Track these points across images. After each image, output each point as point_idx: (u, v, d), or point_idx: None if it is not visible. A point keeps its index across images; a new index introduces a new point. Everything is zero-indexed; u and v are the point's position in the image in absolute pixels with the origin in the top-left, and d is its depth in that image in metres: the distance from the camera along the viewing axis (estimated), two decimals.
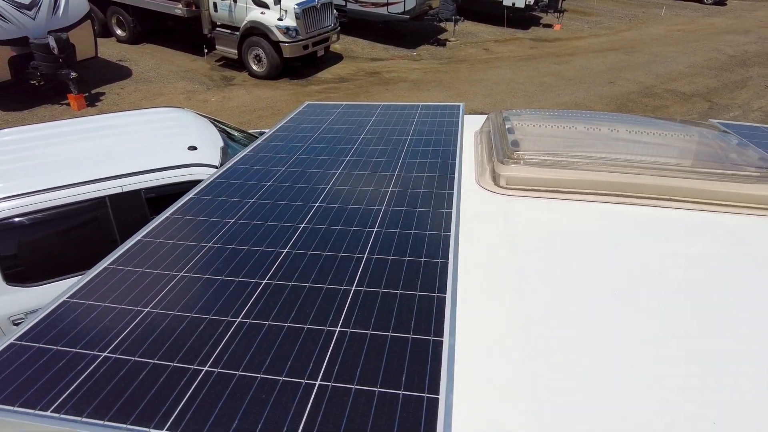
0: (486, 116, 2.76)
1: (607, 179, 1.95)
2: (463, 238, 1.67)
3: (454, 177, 1.96)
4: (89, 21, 9.06)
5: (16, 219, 3.29)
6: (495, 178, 2.02)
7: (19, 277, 3.32)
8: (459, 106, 2.85)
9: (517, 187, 1.99)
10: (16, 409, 0.99)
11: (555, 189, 1.98)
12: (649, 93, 10.40)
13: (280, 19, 9.69)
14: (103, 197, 3.55)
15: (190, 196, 1.87)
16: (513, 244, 1.62)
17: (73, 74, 8.26)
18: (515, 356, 1.21)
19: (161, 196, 3.65)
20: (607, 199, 1.93)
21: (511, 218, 1.80)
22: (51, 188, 3.38)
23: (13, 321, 3.25)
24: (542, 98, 9.97)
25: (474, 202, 1.91)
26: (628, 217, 1.82)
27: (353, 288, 1.33)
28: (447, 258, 1.45)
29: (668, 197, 1.93)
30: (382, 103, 2.97)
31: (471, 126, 2.76)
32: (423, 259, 1.45)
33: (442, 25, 14.06)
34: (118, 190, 3.58)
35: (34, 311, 3.33)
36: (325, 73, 10.88)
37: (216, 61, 11.05)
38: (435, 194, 1.84)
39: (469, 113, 3.09)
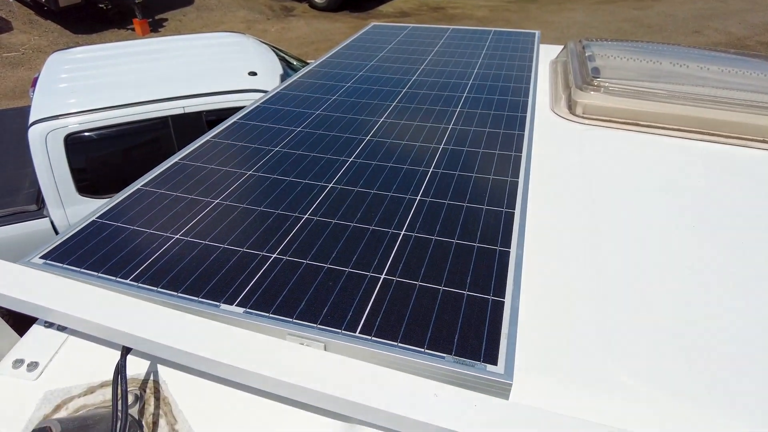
0: (563, 46, 2.58)
1: (690, 114, 1.79)
2: (535, 162, 1.59)
3: (527, 102, 1.86)
4: None
5: (86, 133, 3.43)
6: (571, 106, 1.90)
7: (90, 189, 3.51)
8: (534, 33, 2.67)
9: (595, 116, 1.86)
10: (100, 275, 1.04)
11: (634, 121, 1.85)
12: (739, 45, 9.45)
13: None
14: (166, 117, 3.64)
15: (258, 103, 1.86)
16: (585, 175, 1.54)
17: None
18: (585, 272, 1.17)
19: (221, 120, 3.71)
20: (688, 135, 1.79)
21: (586, 148, 1.70)
22: (118, 105, 3.49)
23: None
24: None
25: (547, 130, 1.81)
26: (711, 154, 1.68)
27: (418, 197, 1.30)
28: (517, 177, 1.39)
29: (757, 138, 1.76)
30: (452, 27, 2.83)
31: (546, 56, 2.59)
32: (491, 177, 1.39)
33: None
34: (180, 111, 3.65)
35: None
36: (387, 7, 10.51)
37: None
38: (506, 116, 1.75)
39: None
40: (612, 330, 1.02)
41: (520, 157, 1.49)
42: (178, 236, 1.15)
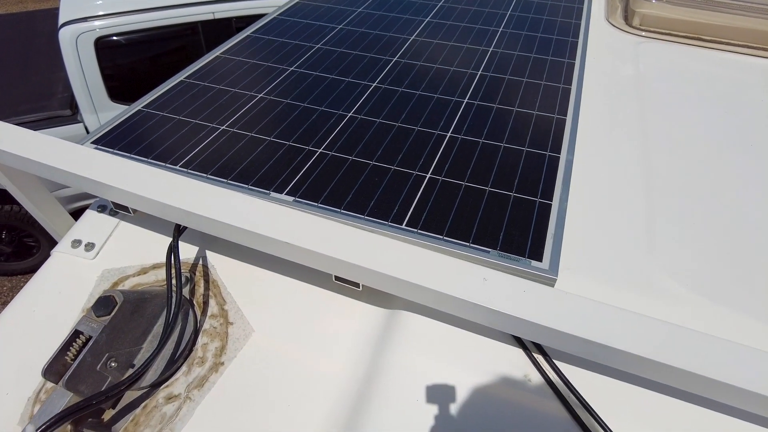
0: None
1: (759, 27, 1.65)
2: (588, 69, 1.51)
3: (582, 8, 1.74)
4: None
5: (116, 37, 3.37)
6: (628, 16, 1.78)
7: (122, 95, 3.50)
8: None
9: (652, 28, 1.74)
10: (150, 160, 1.06)
11: (695, 35, 1.72)
12: None
13: None
14: (196, 23, 3.53)
15: (275, 15, 1.78)
16: (638, 89, 1.46)
17: None
18: (633, 180, 1.14)
19: None
20: (755, 52, 1.66)
21: (641, 61, 1.60)
22: (147, 8, 3.40)
23: None
24: None
25: (601, 40, 1.70)
26: None
27: (465, 100, 1.26)
28: (570, 84, 1.33)
29: None
30: None
31: None
32: (543, 83, 1.33)
33: None
34: (210, 17, 3.54)
35: None
36: None
37: None
38: (559, 23, 1.64)
39: None
40: (658, 236, 1.01)
41: (573, 65, 1.41)
42: (224, 127, 1.15)
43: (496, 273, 0.74)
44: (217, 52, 1.45)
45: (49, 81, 3.70)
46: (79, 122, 3.46)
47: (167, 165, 1.04)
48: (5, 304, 3.73)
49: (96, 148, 1.09)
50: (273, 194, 0.97)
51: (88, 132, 3.47)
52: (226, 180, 1.01)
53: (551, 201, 0.98)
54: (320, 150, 1.09)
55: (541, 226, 0.92)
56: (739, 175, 1.16)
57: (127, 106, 3.44)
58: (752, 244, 1.00)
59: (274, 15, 1.67)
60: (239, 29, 3.61)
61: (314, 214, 0.93)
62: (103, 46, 3.36)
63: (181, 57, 3.56)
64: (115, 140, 1.11)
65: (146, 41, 3.45)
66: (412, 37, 1.55)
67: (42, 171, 0.99)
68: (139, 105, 1.23)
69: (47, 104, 3.49)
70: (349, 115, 1.20)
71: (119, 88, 3.49)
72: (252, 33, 1.55)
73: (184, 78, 1.33)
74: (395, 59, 1.43)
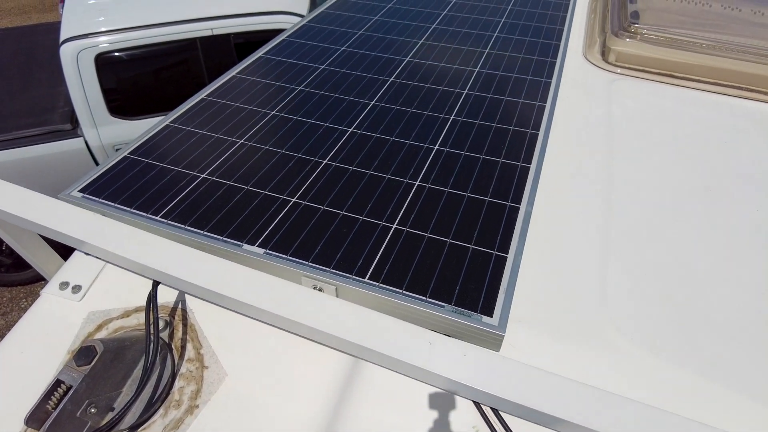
0: None
1: (729, 67, 1.71)
2: (559, 111, 1.57)
3: (559, 45, 1.80)
4: None
5: (116, 53, 3.45)
6: (604, 53, 1.83)
7: (121, 110, 3.58)
8: None
9: (627, 65, 1.80)
10: (133, 210, 1.13)
11: (669, 72, 1.78)
12: None
13: None
14: (194, 39, 3.61)
15: (283, 37, 1.85)
16: (611, 125, 1.52)
17: None
18: (592, 235, 1.20)
19: (249, 43, 3.67)
20: (727, 90, 1.72)
21: (614, 99, 1.66)
22: (146, 25, 3.47)
23: (115, 148, 3.59)
24: None
25: (577, 76, 1.76)
26: (748, 113, 1.62)
27: (435, 147, 1.33)
28: (538, 129, 1.39)
29: None
30: None
31: None
32: (512, 128, 1.40)
33: None
34: (208, 33, 3.61)
35: None
36: None
37: None
38: (536, 61, 1.71)
39: None
40: (611, 288, 1.07)
41: (543, 108, 1.47)
42: (204, 175, 1.22)
43: (440, 338, 0.80)
44: (202, 94, 1.52)
45: (50, 95, 3.79)
46: (79, 136, 3.54)
47: (148, 215, 1.11)
48: (5, 314, 3.82)
49: (83, 197, 1.16)
50: (245, 246, 1.04)
51: (88, 146, 3.55)
52: (202, 231, 1.07)
53: (507, 254, 1.04)
54: (294, 199, 1.16)
55: (495, 280, 0.98)
56: (696, 225, 1.22)
57: (126, 121, 3.53)
58: (703, 298, 1.06)
59: (260, 53, 1.74)
60: (237, 45, 3.69)
61: (283, 266, 1.00)
62: (104, 62, 3.44)
63: (179, 72, 3.64)
64: (102, 188, 1.18)
65: (146, 57, 3.53)
66: (391, 79, 1.61)
67: (19, 223, 1.06)
68: (125, 151, 1.29)
69: (48, 118, 3.57)
70: (324, 162, 1.27)
71: (119, 103, 3.57)
72: (236, 74, 1.62)
73: (170, 122, 1.40)
74: (373, 103, 1.49)
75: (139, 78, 3.55)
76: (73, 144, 3.50)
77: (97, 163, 3.63)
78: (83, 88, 3.44)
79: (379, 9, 2.08)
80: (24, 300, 4.00)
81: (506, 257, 1.03)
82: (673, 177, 1.35)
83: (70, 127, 3.50)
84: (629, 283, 1.09)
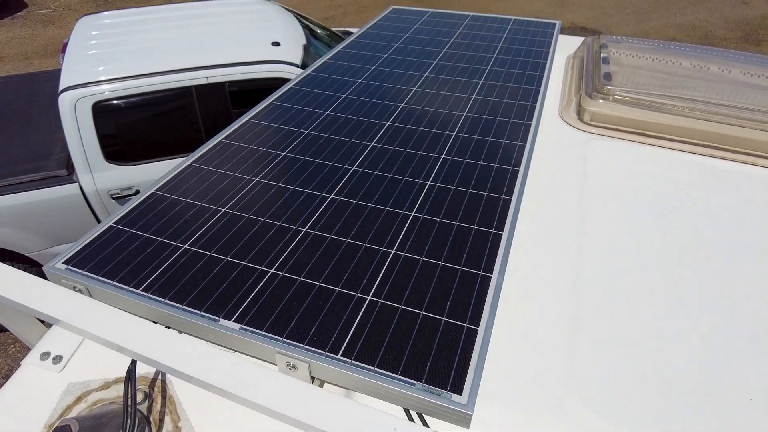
0: (582, 40, 2.53)
1: (702, 128, 1.78)
2: (533, 173, 1.63)
3: (535, 107, 1.87)
4: None
5: (113, 101, 3.54)
6: (579, 113, 1.91)
7: (117, 157, 3.65)
8: (555, 24, 2.61)
9: (602, 125, 1.87)
10: (114, 283, 1.16)
11: (642, 132, 1.85)
12: None
13: None
14: (190, 87, 3.71)
15: (270, 101, 1.93)
16: (585, 187, 1.57)
17: None
18: (562, 306, 1.23)
19: (243, 91, 3.78)
20: (698, 150, 1.78)
21: (589, 159, 1.72)
22: (143, 74, 3.58)
23: (111, 195, 3.65)
24: (655, 16, 8.83)
25: (552, 137, 1.83)
26: (721, 173, 1.68)
27: (412, 214, 1.37)
28: (511, 195, 1.44)
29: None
30: (472, 14, 2.78)
31: (565, 49, 2.55)
32: (486, 194, 1.44)
33: None
34: (204, 81, 3.72)
35: (128, 188, 3.70)
36: None
37: None
38: (511, 124, 1.77)
39: (567, 28, 2.83)
40: (578, 362, 1.10)
41: (517, 172, 1.53)
42: (185, 246, 1.26)
43: (406, 424, 0.82)
44: (189, 160, 1.57)
45: (47, 141, 3.86)
46: (74, 182, 3.59)
47: (130, 289, 1.14)
48: None
49: (67, 269, 1.19)
50: (222, 321, 1.07)
51: (83, 191, 3.60)
52: (181, 306, 1.10)
53: (478, 326, 1.07)
54: (272, 270, 1.19)
55: (466, 355, 1.01)
56: (668, 294, 1.25)
57: (121, 167, 3.59)
58: (672, 369, 1.09)
59: (246, 119, 1.80)
60: (232, 93, 3.79)
61: (258, 343, 1.02)
62: (101, 109, 3.53)
63: (175, 119, 3.73)
64: (86, 260, 1.22)
65: (142, 104, 3.63)
66: (372, 144, 1.67)
67: None
68: (110, 221, 1.34)
69: (44, 164, 3.63)
70: (304, 230, 1.31)
71: (114, 149, 3.64)
72: (224, 139, 1.68)
73: (155, 190, 1.44)
74: (353, 168, 1.55)
75: (135, 125, 3.63)
76: (69, 189, 3.56)
77: (91, 209, 3.68)
78: (80, 135, 3.51)
79: (363, 71, 2.17)
80: (12, 346, 3.97)
81: (477, 330, 1.06)
82: (645, 240, 1.39)
83: (66, 173, 3.56)
84: (598, 356, 1.11)
